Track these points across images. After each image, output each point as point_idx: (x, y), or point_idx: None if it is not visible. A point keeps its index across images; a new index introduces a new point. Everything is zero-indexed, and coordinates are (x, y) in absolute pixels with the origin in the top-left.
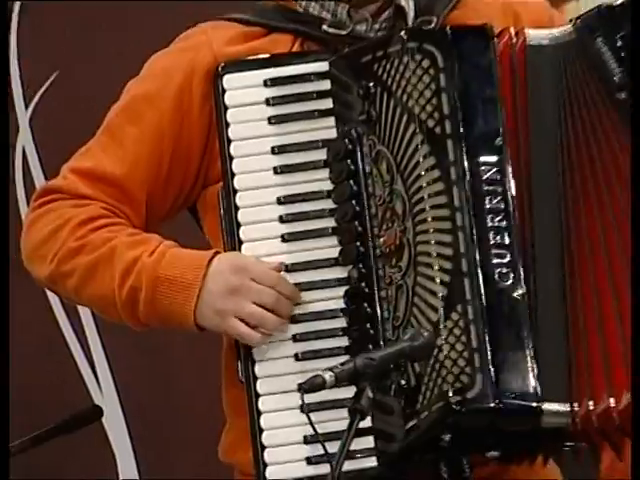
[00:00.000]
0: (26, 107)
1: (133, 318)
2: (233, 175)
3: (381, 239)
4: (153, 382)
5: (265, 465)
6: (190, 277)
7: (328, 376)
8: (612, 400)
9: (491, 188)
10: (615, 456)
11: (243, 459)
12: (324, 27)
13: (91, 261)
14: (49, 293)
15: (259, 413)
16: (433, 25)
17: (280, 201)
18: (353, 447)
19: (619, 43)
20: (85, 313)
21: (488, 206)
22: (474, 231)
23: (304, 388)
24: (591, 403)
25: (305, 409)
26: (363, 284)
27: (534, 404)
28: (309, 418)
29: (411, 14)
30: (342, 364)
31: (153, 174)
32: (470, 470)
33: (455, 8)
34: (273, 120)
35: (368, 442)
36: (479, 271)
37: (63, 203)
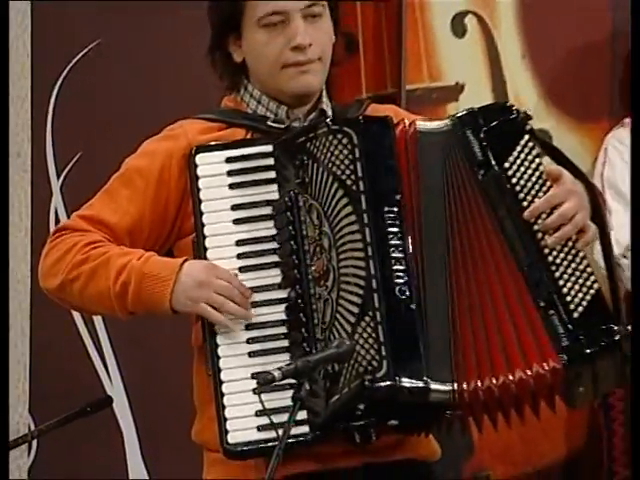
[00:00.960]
0: (58, 176)
1: (123, 307)
2: (203, 225)
3: (312, 267)
4: (154, 375)
5: (227, 432)
6: (167, 273)
7: (277, 374)
8: (493, 379)
9: (392, 229)
10: (491, 426)
11: (210, 439)
12: (268, 122)
13: (92, 267)
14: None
15: (222, 395)
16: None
17: (238, 243)
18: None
19: (482, 135)
20: (98, 320)
21: (390, 242)
22: (380, 259)
23: (259, 382)
24: (472, 383)
25: (259, 395)
26: (299, 301)
27: (423, 383)
28: (261, 401)
29: (330, 115)
30: (287, 365)
31: (137, 225)
32: (376, 436)
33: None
34: (233, 186)
35: (302, 414)
36: (384, 288)
37: (71, 235)
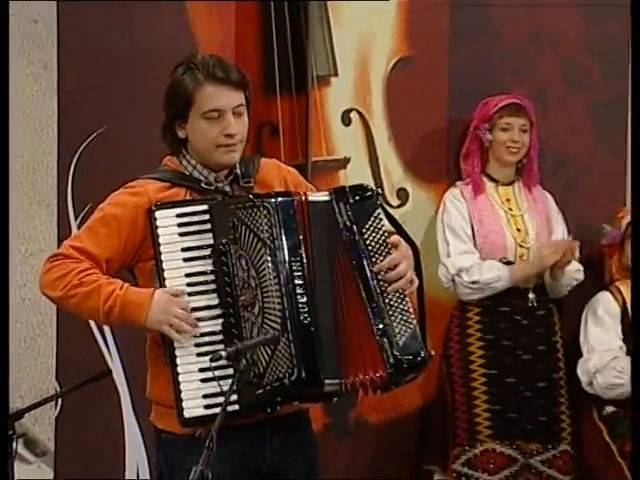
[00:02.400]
0: (75, 219)
1: (108, 322)
2: (162, 262)
3: (242, 297)
4: (142, 353)
5: (183, 409)
6: (142, 302)
7: (223, 353)
8: (371, 373)
9: (297, 274)
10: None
11: (163, 398)
12: (202, 185)
13: (86, 291)
14: None
15: (179, 383)
16: (252, 184)
17: (186, 275)
18: (222, 399)
19: (348, 207)
20: None
21: (296, 282)
22: (290, 296)
23: (212, 359)
24: (347, 379)
25: (212, 370)
26: (232, 319)
27: (320, 382)
28: (214, 374)
29: (240, 175)
30: (230, 348)
31: (112, 255)
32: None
33: (257, 172)
34: (181, 234)
35: (234, 397)
36: (294, 316)
37: (66, 261)
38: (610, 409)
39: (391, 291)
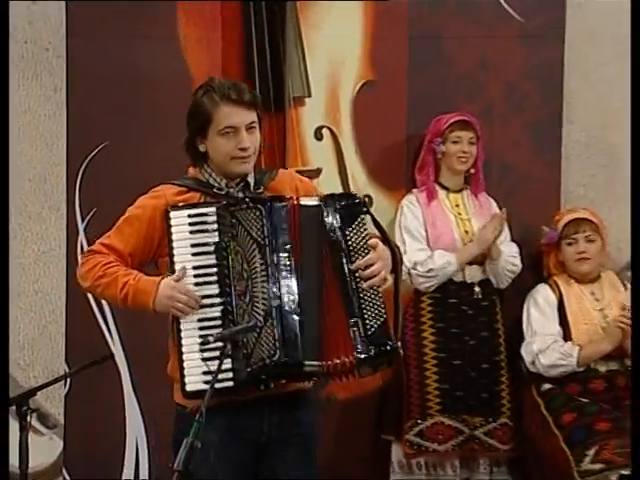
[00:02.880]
0: (82, 221)
1: (124, 306)
2: (174, 255)
3: (237, 287)
4: (140, 339)
5: (185, 384)
6: (150, 290)
7: (210, 338)
8: (343, 358)
9: (284, 267)
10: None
11: (174, 372)
12: (214, 190)
13: (107, 281)
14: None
15: (182, 361)
16: (261, 191)
17: (194, 268)
18: (221, 376)
19: (335, 211)
20: (106, 307)
21: (283, 274)
22: (277, 287)
23: (202, 343)
24: (324, 362)
25: (207, 350)
26: (228, 306)
27: (300, 363)
28: (207, 349)
29: (252, 183)
30: (223, 331)
31: (135, 250)
32: (274, 385)
33: (272, 180)
34: (191, 232)
35: (230, 375)
36: (279, 304)
37: (95, 256)
38: (547, 386)
39: (365, 287)
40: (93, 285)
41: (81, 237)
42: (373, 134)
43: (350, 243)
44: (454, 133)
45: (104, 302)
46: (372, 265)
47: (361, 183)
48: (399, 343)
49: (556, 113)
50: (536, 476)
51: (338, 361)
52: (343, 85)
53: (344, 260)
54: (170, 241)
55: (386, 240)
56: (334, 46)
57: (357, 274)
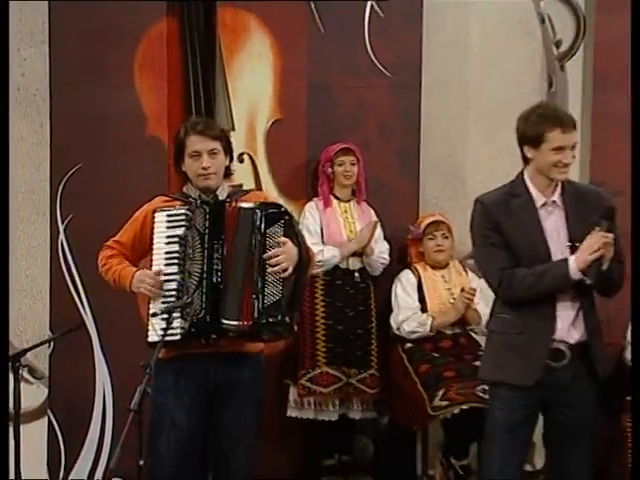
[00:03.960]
0: (62, 223)
1: (115, 286)
2: (152, 243)
3: (187, 268)
4: (109, 309)
5: (148, 336)
6: (129, 277)
7: (158, 310)
8: (245, 322)
9: (217, 250)
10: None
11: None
12: (189, 199)
13: (107, 269)
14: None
15: (148, 320)
16: (228, 202)
17: (166, 253)
18: (168, 332)
19: (262, 216)
20: (79, 284)
21: (214, 255)
22: (209, 265)
23: (154, 314)
24: (238, 322)
25: (168, 313)
26: (182, 283)
27: (219, 320)
28: (168, 318)
29: (224, 196)
30: (168, 305)
31: (134, 244)
32: (213, 341)
33: (242, 196)
34: (167, 227)
35: (178, 331)
36: (208, 278)
37: (105, 249)
38: (409, 345)
39: (269, 272)
40: (101, 272)
41: (61, 236)
42: (281, 159)
43: (267, 239)
44: (339, 158)
45: (79, 284)
46: (277, 257)
47: (273, 195)
48: (293, 318)
49: (415, 144)
50: (400, 412)
51: (241, 323)
52: (258, 121)
53: (258, 251)
54: (152, 234)
55: (299, 242)
56: (251, 92)
57: (266, 262)
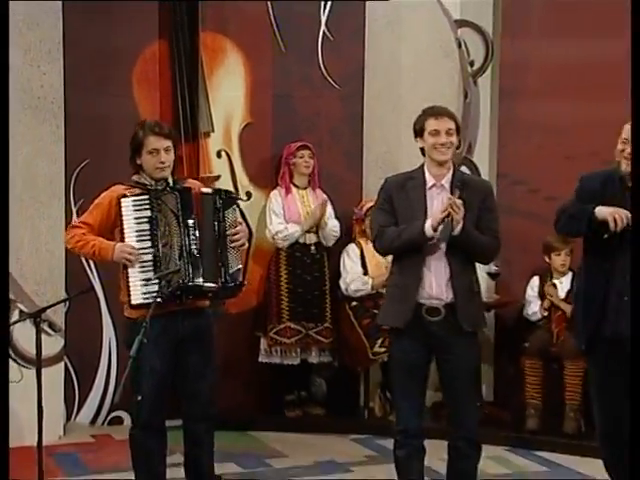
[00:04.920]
0: (75, 205)
1: (92, 258)
2: (123, 224)
3: (163, 241)
4: (111, 274)
5: (131, 299)
6: (109, 249)
7: (153, 275)
8: (217, 285)
9: (191, 227)
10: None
11: (123, 297)
12: (147, 187)
13: (83, 244)
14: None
15: (129, 287)
16: (192, 189)
17: (137, 231)
18: (155, 295)
19: (220, 199)
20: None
21: (190, 233)
22: (187, 240)
23: (155, 277)
24: (215, 284)
25: (159, 279)
26: (157, 255)
27: (200, 283)
28: (159, 284)
29: (171, 184)
30: (161, 272)
31: (100, 224)
32: (189, 299)
33: (183, 183)
34: (134, 210)
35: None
36: (187, 250)
37: (74, 228)
38: (354, 303)
39: (231, 246)
40: (74, 247)
41: (74, 217)
42: (251, 154)
43: (226, 219)
44: (300, 152)
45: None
46: (236, 234)
47: (245, 184)
48: (245, 281)
49: (359, 143)
50: (347, 357)
51: (216, 285)
52: (233, 125)
53: (221, 229)
54: (121, 216)
55: (245, 222)
56: (227, 101)
57: (228, 238)
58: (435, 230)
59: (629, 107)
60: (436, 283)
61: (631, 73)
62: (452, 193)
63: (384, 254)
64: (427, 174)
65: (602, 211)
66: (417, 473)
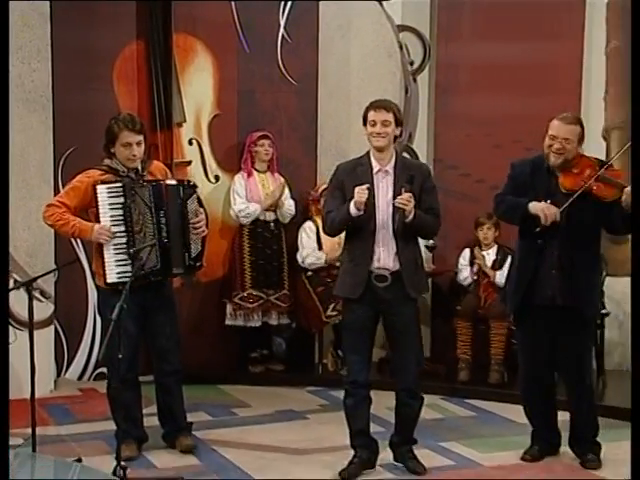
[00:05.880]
0: (63, 187)
1: (71, 236)
2: (99, 210)
3: (136, 228)
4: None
5: (106, 277)
6: (88, 229)
7: (132, 251)
8: (183, 267)
9: (161, 216)
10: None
11: (98, 271)
12: (120, 173)
13: (62, 223)
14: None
15: (104, 264)
16: (145, 173)
17: (111, 217)
18: (129, 275)
19: (184, 189)
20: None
21: (160, 219)
22: (157, 227)
23: (121, 253)
24: (179, 267)
25: (133, 258)
26: (130, 238)
27: (170, 268)
28: (133, 262)
29: (140, 169)
30: (135, 248)
31: (75, 205)
32: (162, 279)
33: (149, 167)
34: (109, 197)
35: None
36: (158, 237)
37: (53, 207)
38: (310, 273)
39: (194, 233)
40: (53, 225)
41: None
42: (219, 142)
43: (188, 208)
44: (260, 141)
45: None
46: (199, 222)
47: (213, 168)
48: (204, 263)
49: (313, 133)
50: (303, 320)
51: (182, 270)
52: (203, 116)
53: (184, 217)
54: (97, 202)
55: (203, 209)
56: (198, 95)
57: (191, 225)
58: (359, 210)
59: (549, 102)
60: (384, 256)
61: (631, 73)
62: (398, 183)
63: (332, 235)
64: (373, 160)
65: (535, 207)
66: (364, 419)
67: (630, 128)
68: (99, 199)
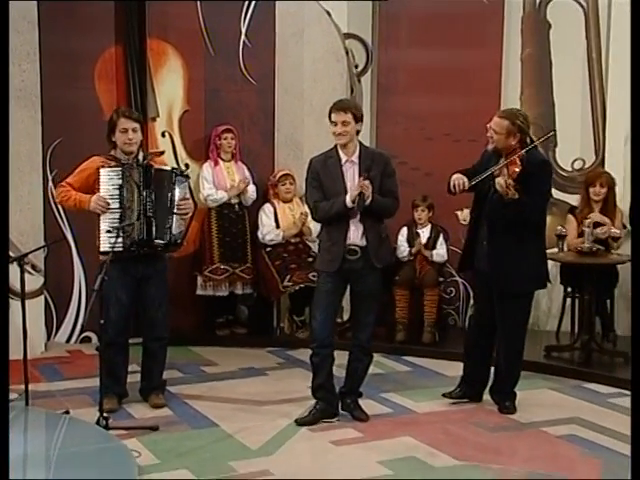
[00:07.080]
0: (50, 174)
1: (75, 208)
2: (100, 188)
3: (128, 204)
4: (83, 228)
5: (99, 247)
6: (87, 199)
7: (117, 226)
8: (164, 241)
9: (147, 196)
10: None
11: (97, 242)
12: (121, 161)
13: (67, 198)
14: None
15: (99, 234)
16: (146, 162)
17: (110, 196)
18: (117, 245)
19: (175, 175)
20: (62, 212)
21: (147, 199)
22: (143, 204)
23: (112, 228)
24: (165, 242)
25: (120, 229)
26: (122, 214)
27: (152, 240)
28: (117, 234)
29: (141, 159)
30: (119, 224)
31: (81, 187)
32: (144, 252)
33: (152, 159)
34: (109, 179)
35: (121, 245)
36: (144, 214)
37: (62, 186)
38: (268, 249)
39: (177, 213)
40: (61, 200)
41: (50, 184)
42: (189, 134)
43: (177, 191)
44: (225, 134)
45: (61, 210)
46: (185, 205)
47: (184, 157)
48: (185, 242)
49: (271, 127)
50: (263, 289)
51: (163, 242)
52: (174, 111)
53: (171, 198)
54: (99, 182)
55: (192, 198)
56: (170, 93)
57: (176, 206)
58: (353, 202)
59: (474, 101)
60: (354, 234)
61: (631, 73)
62: (362, 172)
63: (323, 222)
64: (340, 153)
65: (452, 177)
66: (327, 375)
67: (631, 128)
68: (102, 180)
